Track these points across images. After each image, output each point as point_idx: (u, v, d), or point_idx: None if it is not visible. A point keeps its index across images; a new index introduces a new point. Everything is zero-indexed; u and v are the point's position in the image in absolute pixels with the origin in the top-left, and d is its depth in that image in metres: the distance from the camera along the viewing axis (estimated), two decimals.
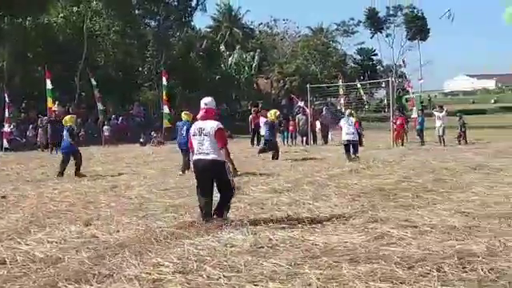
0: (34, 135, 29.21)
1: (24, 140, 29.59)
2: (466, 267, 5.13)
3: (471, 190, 9.46)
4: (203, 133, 7.31)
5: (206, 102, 7.62)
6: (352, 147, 15.72)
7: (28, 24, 35.18)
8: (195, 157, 7.46)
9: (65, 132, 14.16)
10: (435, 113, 22.48)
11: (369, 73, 65.43)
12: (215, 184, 7.41)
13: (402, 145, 21.23)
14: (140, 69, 41.46)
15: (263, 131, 18.13)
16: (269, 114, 18.18)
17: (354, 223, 7.14)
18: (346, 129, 15.79)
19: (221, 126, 7.45)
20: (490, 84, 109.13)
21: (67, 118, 14.83)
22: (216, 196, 7.51)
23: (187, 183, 11.44)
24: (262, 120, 19.29)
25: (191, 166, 8.98)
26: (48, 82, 26.06)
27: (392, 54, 63.97)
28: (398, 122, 21.92)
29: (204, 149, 7.29)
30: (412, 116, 23.47)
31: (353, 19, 65.30)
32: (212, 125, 7.33)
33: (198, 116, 7.62)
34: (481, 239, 6.02)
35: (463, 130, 21.71)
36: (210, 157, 7.27)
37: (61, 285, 5.05)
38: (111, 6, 37.11)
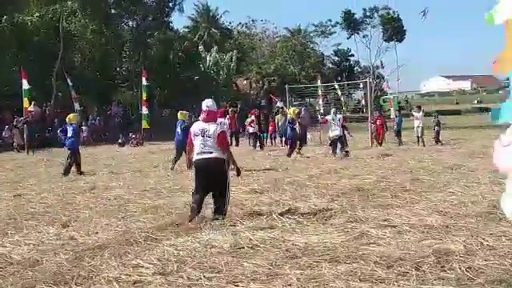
0: (9, 136, 28.77)
1: (0, 141, 29.12)
2: (444, 266, 5.20)
3: (448, 189, 9.57)
4: (206, 134, 7.59)
5: (208, 104, 7.86)
6: (340, 143, 16.29)
7: (3, 23, 34.64)
8: (197, 156, 7.66)
9: (70, 130, 14.55)
10: (414, 113, 22.72)
11: (346, 73, 65.79)
12: (213, 182, 7.65)
13: (381, 145, 21.39)
14: (118, 69, 41.13)
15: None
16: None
17: (334, 223, 7.19)
18: (333, 126, 16.52)
19: (223, 129, 7.97)
20: (466, 85, 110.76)
21: (71, 116, 15.33)
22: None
23: (166, 184, 11.43)
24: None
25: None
26: (24, 82, 25.69)
27: (369, 55, 64.45)
28: (377, 123, 22.08)
29: (207, 148, 7.57)
30: (391, 116, 23.67)
31: (330, 20, 65.66)
32: (215, 128, 7.65)
33: (200, 117, 7.87)
34: (458, 238, 6.09)
35: (437, 129, 21.93)
36: (213, 155, 7.58)
37: (39, 287, 5.00)
38: (87, 5, 36.72)
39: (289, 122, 18.54)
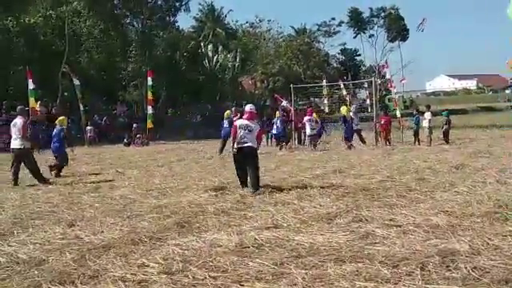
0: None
1: (7, 141, 29.19)
2: (449, 266, 5.18)
3: (454, 189, 9.54)
4: (248, 129, 10.25)
5: (252, 107, 10.79)
6: (314, 140, 20.81)
7: (10, 24, 34.81)
8: (240, 145, 10.20)
9: (56, 132, 14.56)
10: (425, 113, 22.52)
11: (351, 73, 65.71)
12: (249, 162, 10.16)
13: (387, 144, 21.32)
14: (124, 69, 41.19)
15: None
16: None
17: (339, 223, 7.18)
18: (310, 126, 20.73)
19: (261, 127, 11.06)
20: (471, 84, 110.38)
21: (60, 118, 15.11)
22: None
23: (171, 184, 11.44)
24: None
25: None
26: (30, 82, 25.77)
27: (374, 54, 64.32)
28: (382, 122, 22.01)
29: (247, 139, 10.19)
30: (397, 116, 23.51)
31: (334, 19, 65.57)
32: (256, 126, 10.56)
33: (245, 116, 10.60)
34: (464, 238, 6.08)
35: (445, 128, 21.80)
36: (251, 144, 10.22)
37: (45, 286, 5.02)
38: (93, 6, 36.81)
39: (345, 120, 21.15)
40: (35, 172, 12.60)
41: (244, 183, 10.29)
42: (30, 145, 12.76)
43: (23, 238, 6.85)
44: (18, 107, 13.77)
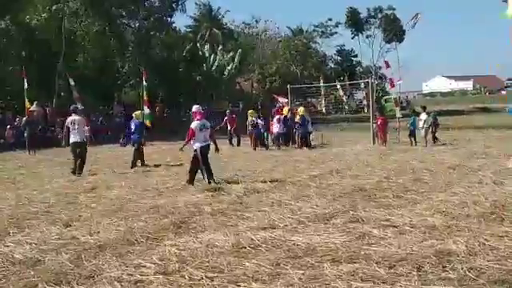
0: (11, 135, 28.77)
1: (2, 140, 29.10)
2: (445, 266, 5.20)
3: (450, 189, 9.56)
4: (207, 128, 11.35)
5: (199, 107, 11.83)
6: (282, 139, 21.34)
7: (4, 24, 34.70)
8: (204, 143, 11.22)
9: (133, 125, 15.96)
10: (421, 114, 22.48)
11: (348, 74, 65.76)
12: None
13: (384, 145, 21.31)
14: (120, 69, 41.11)
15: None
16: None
17: (336, 223, 7.19)
18: (277, 125, 21.25)
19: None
20: (468, 85, 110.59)
21: (137, 112, 16.78)
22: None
23: (167, 184, 11.43)
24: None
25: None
26: (25, 81, 25.66)
27: (371, 55, 64.38)
28: (378, 123, 22.00)
29: (207, 138, 11.34)
30: (396, 116, 23.47)
31: (330, 19, 65.58)
32: (208, 123, 11.59)
33: (199, 117, 11.39)
34: (460, 239, 6.09)
35: (433, 129, 21.78)
36: (209, 142, 11.46)
37: (41, 287, 5.03)
38: (90, 5, 36.72)
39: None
40: (82, 164, 14.08)
41: (211, 177, 11.16)
42: (86, 139, 14.77)
43: (19, 238, 6.84)
44: (73, 106, 15.71)
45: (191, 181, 11.17)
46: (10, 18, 34.34)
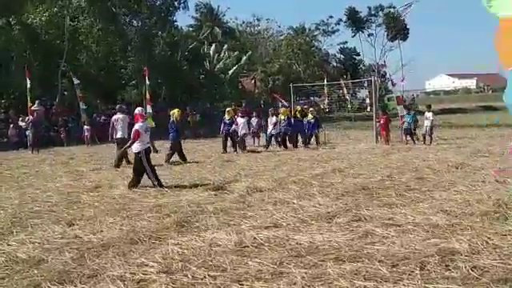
0: (14, 134, 28.83)
1: (6, 139, 29.18)
2: (448, 265, 5.19)
3: (453, 188, 9.55)
4: (149, 129, 11.36)
5: (140, 110, 11.82)
6: (274, 139, 20.80)
7: (11, 23, 34.77)
8: (147, 145, 11.12)
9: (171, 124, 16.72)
10: (426, 113, 22.43)
11: (351, 72, 65.62)
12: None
13: (387, 143, 21.28)
14: (123, 68, 41.11)
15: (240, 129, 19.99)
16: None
17: (339, 222, 7.19)
18: (271, 126, 20.76)
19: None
20: (471, 83, 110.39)
21: (174, 111, 17.25)
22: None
23: (171, 183, 11.44)
24: (240, 120, 20.08)
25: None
26: (28, 81, 25.68)
27: (374, 53, 64.23)
28: (381, 121, 21.97)
29: (149, 139, 11.26)
30: (399, 114, 23.42)
31: (332, 17, 65.45)
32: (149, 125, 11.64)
33: (142, 119, 11.28)
34: (463, 237, 6.09)
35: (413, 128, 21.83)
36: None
37: (44, 286, 5.03)
38: (93, 3, 36.74)
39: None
40: (120, 158, 15.09)
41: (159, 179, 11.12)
42: (127, 135, 14.98)
43: (22, 237, 6.86)
44: (118, 106, 17.66)
45: (136, 184, 10.95)
46: (13, 18, 34.39)
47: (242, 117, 20.43)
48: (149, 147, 11.22)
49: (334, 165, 14.02)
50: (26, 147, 24.82)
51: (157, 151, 11.87)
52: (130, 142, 11.35)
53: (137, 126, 11.09)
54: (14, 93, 34.02)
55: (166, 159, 16.00)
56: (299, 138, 21.37)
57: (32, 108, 26.14)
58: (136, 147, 11.04)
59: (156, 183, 10.89)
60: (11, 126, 29.36)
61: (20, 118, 28.58)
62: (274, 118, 21.30)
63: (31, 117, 25.40)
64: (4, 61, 33.71)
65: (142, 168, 11.02)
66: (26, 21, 34.99)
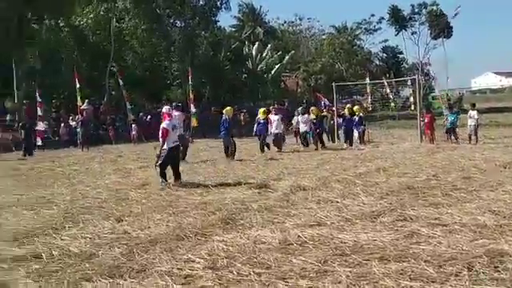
0: (65, 133, 29.68)
1: (57, 138, 30.05)
2: (497, 267, 5.10)
3: (501, 188, 9.32)
4: (176, 127, 11.59)
5: (169, 108, 12.21)
6: (277, 139, 19.19)
7: (60, 26, 35.81)
8: (174, 144, 11.22)
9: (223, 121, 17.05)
10: (470, 111, 21.96)
11: (394, 71, 64.56)
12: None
13: (432, 142, 20.91)
14: (167, 68, 41.75)
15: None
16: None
17: (383, 221, 7.14)
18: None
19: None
20: None
21: (227, 108, 17.58)
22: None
23: (216, 180, 11.58)
24: (274, 118, 19.71)
25: None
26: (76, 81, 26.39)
27: (418, 51, 62.91)
28: (426, 120, 21.60)
29: (176, 138, 11.49)
30: (444, 114, 22.97)
31: (373, 15, 64.54)
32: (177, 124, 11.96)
33: (169, 118, 11.45)
34: None
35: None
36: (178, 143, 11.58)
37: (95, 279, 5.18)
38: (137, 5, 37.44)
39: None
40: (183, 153, 15.82)
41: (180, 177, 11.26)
42: (183, 131, 16.18)
43: (74, 232, 7.09)
44: (175, 103, 18.22)
45: (177, 178, 11.29)
46: (61, 20, 35.37)
47: (275, 114, 20.16)
48: (177, 145, 11.46)
49: (377, 164, 13.89)
50: (76, 145, 25.52)
51: (184, 158, 12.16)
52: (161, 141, 11.38)
53: (164, 125, 11.26)
54: (63, 93, 34.99)
55: (230, 157, 16.45)
56: (355, 135, 21.00)
57: (81, 107, 26.85)
58: (165, 145, 11.21)
59: (160, 180, 11.10)
60: (62, 124, 30.24)
61: (70, 117, 29.40)
62: (306, 116, 21.07)
63: (81, 116, 26.11)
64: (54, 62, 34.75)
65: (172, 161, 11.29)
66: (73, 23, 35.94)
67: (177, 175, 11.27)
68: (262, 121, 19.37)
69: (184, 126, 16.70)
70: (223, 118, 17.24)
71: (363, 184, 10.42)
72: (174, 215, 7.99)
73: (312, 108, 22.25)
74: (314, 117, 20.75)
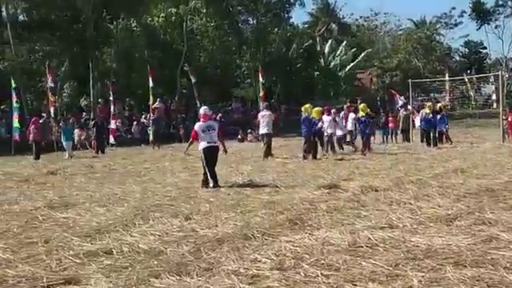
0: (137, 131, 30.58)
1: (129, 136, 31.02)
2: None
3: None
4: (211, 128, 11.12)
5: (205, 110, 11.88)
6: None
7: (133, 25, 36.98)
8: (207, 145, 11.00)
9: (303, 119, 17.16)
10: None
11: (476, 67, 62.08)
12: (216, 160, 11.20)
13: None
14: (238, 66, 42.15)
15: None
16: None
17: (459, 225, 6.80)
18: (262, 123, 18.00)
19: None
20: None
21: (306, 106, 17.59)
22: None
23: (285, 180, 11.50)
24: (326, 119, 18.56)
25: None
26: (150, 80, 27.01)
27: (502, 46, 60.08)
28: (509, 119, 20.59)
29: (213, 139, 11.07)
30: None
31: (454, 9, 62.16)
32: (216, 125, 11.54)
33: (202, 119, 11.34)
34: None
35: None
36: (217, 144, 11.23)
37: (163, 276, 5.21)
38: (209, 3, 37.98)
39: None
40: (268, 149, 17.33)
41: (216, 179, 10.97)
42: (271, 130, 17.68)
43: (144, 229, 7.20)
44: (265, 104, 20.13)
45: (205, 182, 11.05)
46: (136, 21, 36.49)
47: (328, 115, 18.87)
48: (210, 146, 11.07)
49: (455, 164, 13.37)
50: (148, 143, 26.22)
51: (226, 151, 11.91)
52: (188, 142, 11.71)
53: (195, 126, 11.34)
54: (137, 91, 36.13)
55: (312, 155, 16.47)
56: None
57: (153, 106, 27.54)
58: (198, 146, 11.28)
59: (212, 184, 10.90)
60: (134, 123, 31.18)
61: (143, 116, 30.28)
62: (353, 115, 20.45)
63: (153, 114, 26.80)
64: (128, 62, 35.92)
65: (203, 166, 11.14)
66: (144, 22, 36.97)
67: (212, 176, 10.99)
68: (315, 120, 17.72)
69: (271, 124, 17.69)
70: (303, 116, 17.29)
71: (439, 185, 10.03)
72: (242, 214, 7.98)
73: (361, 105, 20.33)
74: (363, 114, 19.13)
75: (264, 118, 17.79)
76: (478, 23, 59.49)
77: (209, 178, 10.96)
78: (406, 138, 24.33)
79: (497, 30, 59.00)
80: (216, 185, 10.83)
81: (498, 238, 6.07)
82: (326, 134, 18.26)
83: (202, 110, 11.98)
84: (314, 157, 16.46)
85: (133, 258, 5.90)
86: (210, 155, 11.02)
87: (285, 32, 43.31)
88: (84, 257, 5.94)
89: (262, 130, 17.86)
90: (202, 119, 11.42)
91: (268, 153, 17.29)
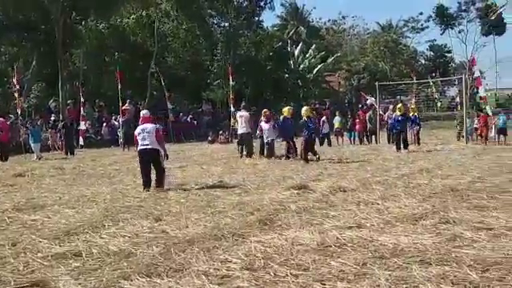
0: (106, 133, 30.26)
1: (99, 137, 30.69)
2: None
3: None
4: (145, 131, 10.98)
5: (148, 112, 11.92)
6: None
7: (102, 27, 36.55)
8: (141, 147, 11.01)
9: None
10: None
11: (440, 70, 63.20)
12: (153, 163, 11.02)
13: (485, 143, 20.36)
14: (209, 68, 42.04)
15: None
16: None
17: (425, 224, 6.95)
18: (240, 124, 18.14)
19: (157, 127, 11.51)
20: None
21: (305, 108, 17.25)
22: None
23: (255, 181, 11.55)
24: (265, 126, 18.08)
25: None
26: (119, 82, 26.80)
27: (465, 50, 61.36)
28: (482, 122, 21.03)
29: (145, 142, 10.93)
30: (489, 114, 22.35)
31: (422, 13, 63.28)
32: (150, 127, 11.14)
33: (142, 121, 11.38)
34: None
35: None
36: (153, 146, 10.98)
37: (133, 278, 5.19)
38: (180, 7, 37.85)
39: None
40: (250, 150, 17.25)
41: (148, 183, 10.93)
42: (250, 130, 17.54)
43: (114, 230, 7.15)
44: (242, 104, 19.86)
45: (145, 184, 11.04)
46: (105, 22, 36.09)
47: (266, 122, 17.90)
48: (142, 149, 11.06)
49: (420, 165, 13.62)
50: (118, 145, 25.97)
51: (167, 156, 11.61)
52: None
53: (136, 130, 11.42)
54: (106, 93, 35.71)
55: (317, 157, 16.13)
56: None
57: (123, 107, 27.28)
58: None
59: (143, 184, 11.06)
60: (104, 124, 30.83)
61: (113, 117, 29.96)
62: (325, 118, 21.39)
63: (123, 116, 26.55)
64: (97, 63, 35.48)
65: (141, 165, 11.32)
66: (114, 23, 36.61)
67: (143, 179, 11.11)
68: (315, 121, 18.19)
69: (248, 124, 17.68)
70: (281, 117, 17.48)
71: (405, 186, 10.22)
72: (212, 215, 7.99)
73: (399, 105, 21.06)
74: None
75: (242, 118, 17.95)
76: (441, 28, 60.61)
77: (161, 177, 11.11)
78: (374, 140, 24.64)
79: (460, 34, 60.23)
80: (145, 187, 10.87)
81: (462, 236, 6.23)
82: (266, 139, 17.67)
83: (142, 112, 12.21)
84: (306, 158, 15.93)
85: (102, 259, 5.87)
86: (141, 158, 11.12)
87: (255, 34, 43.40)
88: (52, 259, 5.88)
89: (241, 130, 17.94)
90: (140, 122, 11.66)
91: (272, 154, 17.09)
